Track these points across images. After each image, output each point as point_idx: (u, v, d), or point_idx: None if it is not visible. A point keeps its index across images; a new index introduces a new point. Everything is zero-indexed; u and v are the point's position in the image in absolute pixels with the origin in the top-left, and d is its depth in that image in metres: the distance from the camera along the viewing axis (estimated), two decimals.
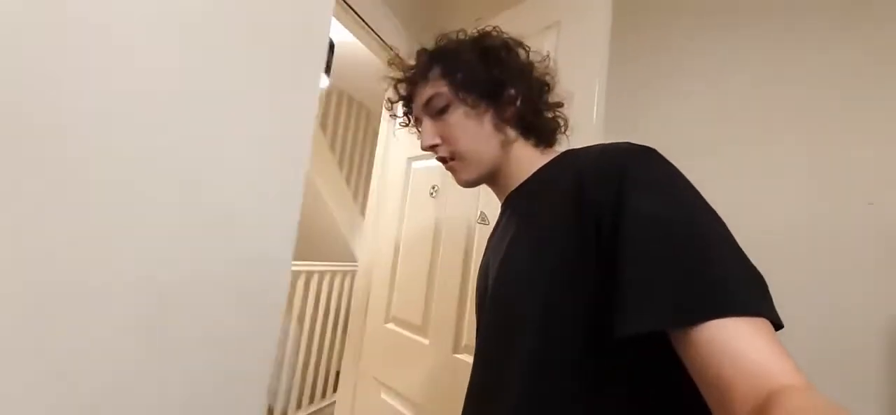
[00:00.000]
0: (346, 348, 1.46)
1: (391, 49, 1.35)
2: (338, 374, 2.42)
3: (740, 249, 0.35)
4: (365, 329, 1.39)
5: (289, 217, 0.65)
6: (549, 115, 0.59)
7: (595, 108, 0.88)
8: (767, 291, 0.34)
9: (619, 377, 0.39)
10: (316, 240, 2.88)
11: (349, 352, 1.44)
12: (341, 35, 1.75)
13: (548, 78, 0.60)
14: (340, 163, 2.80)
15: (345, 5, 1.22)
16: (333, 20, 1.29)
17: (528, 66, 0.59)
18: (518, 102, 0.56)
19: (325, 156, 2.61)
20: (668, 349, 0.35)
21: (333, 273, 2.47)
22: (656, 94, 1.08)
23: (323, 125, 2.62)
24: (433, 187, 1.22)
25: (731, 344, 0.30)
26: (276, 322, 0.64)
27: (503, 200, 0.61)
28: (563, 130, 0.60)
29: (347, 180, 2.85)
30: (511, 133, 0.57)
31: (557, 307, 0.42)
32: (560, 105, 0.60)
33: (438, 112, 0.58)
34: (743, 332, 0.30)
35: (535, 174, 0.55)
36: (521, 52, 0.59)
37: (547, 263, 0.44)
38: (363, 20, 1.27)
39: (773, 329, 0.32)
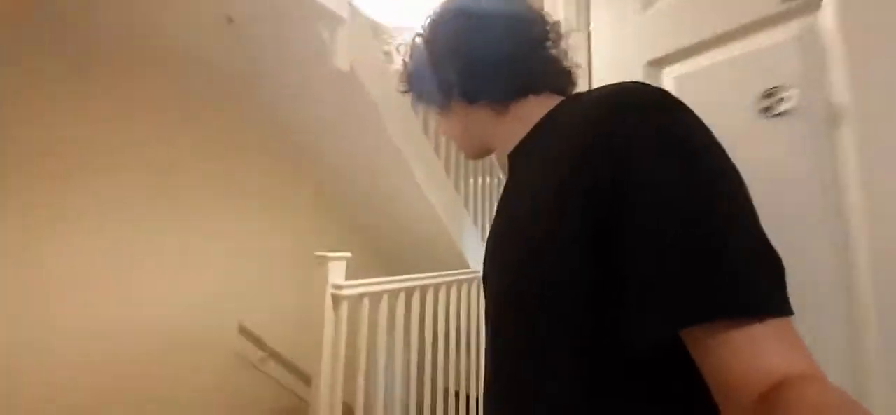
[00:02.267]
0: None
1: None
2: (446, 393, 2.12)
3: (759, 231, 0.32)
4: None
5: None
6: (497, 65, 0.49)
7: None
8: (782, 278, 0.31)
9: (612, 377, 0.36)
10: (425, 251, 2.43)
11: None
12: None
13: (482, 20, 0.50)
14: (447, 166, 2.32)
15: None
16: None
17: (453, 23, 0.52)
18: (455, 78, 0.52)
19: (430, 159, 2.16)
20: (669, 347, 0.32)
21: (449, 284, 2.12)
22: None
23: (425, 126, 2.19)
24: None
25: (740, 345, 0.29)
26: None
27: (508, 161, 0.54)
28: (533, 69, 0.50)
29: (457, 186, 2.36)
30: (463, 107, 0.53)
31: (535, 293, 0.39)
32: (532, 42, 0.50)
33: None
34: (755, 331, 0.29)
35: (535, 129, 0.48)
36: (446, 13, 0.53)
37: (527, 243, 0.40)
38: None
39: (787, 323, 0.30)
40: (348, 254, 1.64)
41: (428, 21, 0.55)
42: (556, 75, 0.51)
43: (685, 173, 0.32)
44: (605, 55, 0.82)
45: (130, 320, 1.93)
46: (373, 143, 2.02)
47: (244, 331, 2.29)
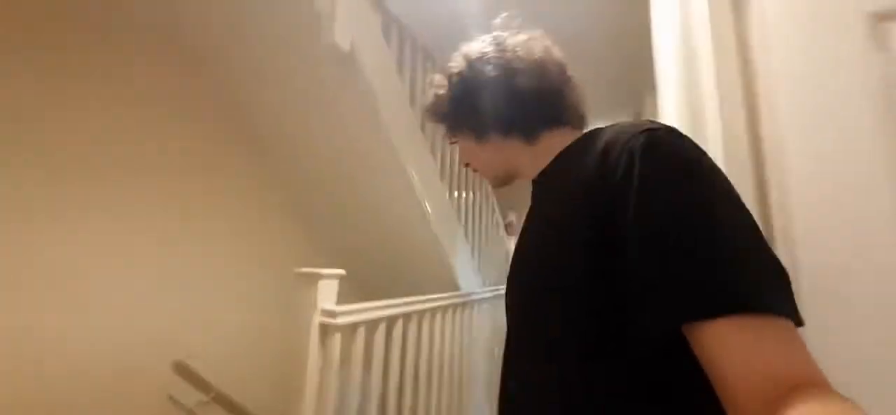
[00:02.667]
0: None
1: None
2: None
3: (763, 242, 0.34)
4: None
5: None
6: (531, 100, 0.55)
7: None
8: (788, 287, 0.33)
9: (617, 378, 0.37)
10: (416, 268, 2.12)
11: None
12: None
13: (517, 62, 0.55)
14: (441, 172, 2.06)
15: None
16: None
17: (493, 63, 0.56)
18: (491, 114, 0.57)
19: (426, 161, 1.89)
20: (675, 346, 0.34)
21: (445, 308, 1.86)
22: None
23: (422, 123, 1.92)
24: None
25: (742, 341, 0.29)
26: None
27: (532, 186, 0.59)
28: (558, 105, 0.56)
29: (450, 192, 2.10)
30: (499, 138, 0.58)
31: (545, 301, 0.43)
32: (550, 85, 0.56)
33: (452, 142, 0.66)
34: (756, 329, 0.30)
35: (555, 159, 0.54)
36: (485, 55, 0.57)
37: (543, 257, 0.45)
38: None
39: (791, 326, 0.31)
40: (342, 271, 1.32)
41: (465, 62, 0.58)
42: (576, 113, 0.57)
43: (690, 189, 0.35)
44: (793, 2, 0.62)
45: (32, 359, 1.40)
46: (364, 138, 1.71)
47: (181, 369, 1.80)
